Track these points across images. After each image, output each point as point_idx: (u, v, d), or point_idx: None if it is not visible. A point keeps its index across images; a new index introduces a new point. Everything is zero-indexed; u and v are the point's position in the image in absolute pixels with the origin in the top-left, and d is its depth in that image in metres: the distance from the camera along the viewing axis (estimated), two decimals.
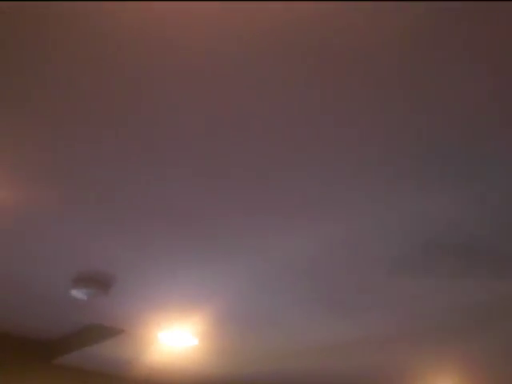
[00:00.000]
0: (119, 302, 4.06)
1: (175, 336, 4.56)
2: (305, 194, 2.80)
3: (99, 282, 3.78)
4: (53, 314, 4.42)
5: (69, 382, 5.22)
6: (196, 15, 1.86)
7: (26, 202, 2.92)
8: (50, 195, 2.86)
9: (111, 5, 1.83)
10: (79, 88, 2.18)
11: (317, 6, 1.81)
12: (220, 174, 2.66)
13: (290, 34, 1.92)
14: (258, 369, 5.42)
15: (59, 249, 3.39)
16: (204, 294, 3.89)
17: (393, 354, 5.07)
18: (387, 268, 3.48)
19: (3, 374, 4.89)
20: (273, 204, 2.88)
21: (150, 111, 2.28)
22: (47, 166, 2.64)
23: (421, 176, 2.62)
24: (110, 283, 3.80)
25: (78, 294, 3.82)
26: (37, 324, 4.69)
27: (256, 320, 4.34)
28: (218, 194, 2.80)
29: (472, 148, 2.43)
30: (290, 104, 2.23)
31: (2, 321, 4.65)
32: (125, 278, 3.73)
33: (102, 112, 2.30)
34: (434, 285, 3.67)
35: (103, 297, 3.86)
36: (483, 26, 1.86)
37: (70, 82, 2.15)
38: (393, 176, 2.63)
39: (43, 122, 2.37)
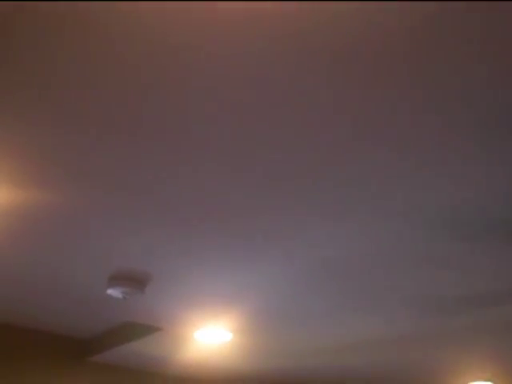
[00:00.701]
0: (155, 300, 4.08)
1: (210, 333, 4.57)
2: (340, 194, 2.80)
3: (135, 281, 3.79)
4: (89, 312, 4.45)
5: (104, 379, 5.26)
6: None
7: (61, 202, 2.94)
8: (85, 195, 2.88)
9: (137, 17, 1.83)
10: (107, 89, 2.19)
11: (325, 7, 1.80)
12: (257, 172, 2.66)
13: (304, 38, 1.91)
14: (290, 364, 5.43)
15: (95, 248, 3.42)
16: (239, 291, 3.90)
17: (422, 352, 5.07)
18: (418, 266, 3.48)
19: (39, 371, 4.95)
20: (308, 202, 2.88)
21: (186, 110, 2.29)
22: (82, 166, 2.65)
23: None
24: (146, 281, 3.81)
25: (114, 292, 3.84)
26: (73, 322, 4.73)
27: (289, 316, 4.34)
28: (254, 192, 2.80)
29: None
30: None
31: (39, 319, 4.70)
32: (161, 277, 3.74)
33: (134, 112, 2.30)
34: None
35: (139, 295, 3.88)
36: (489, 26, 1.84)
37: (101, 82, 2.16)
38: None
39: (78, 125, 2.39)
